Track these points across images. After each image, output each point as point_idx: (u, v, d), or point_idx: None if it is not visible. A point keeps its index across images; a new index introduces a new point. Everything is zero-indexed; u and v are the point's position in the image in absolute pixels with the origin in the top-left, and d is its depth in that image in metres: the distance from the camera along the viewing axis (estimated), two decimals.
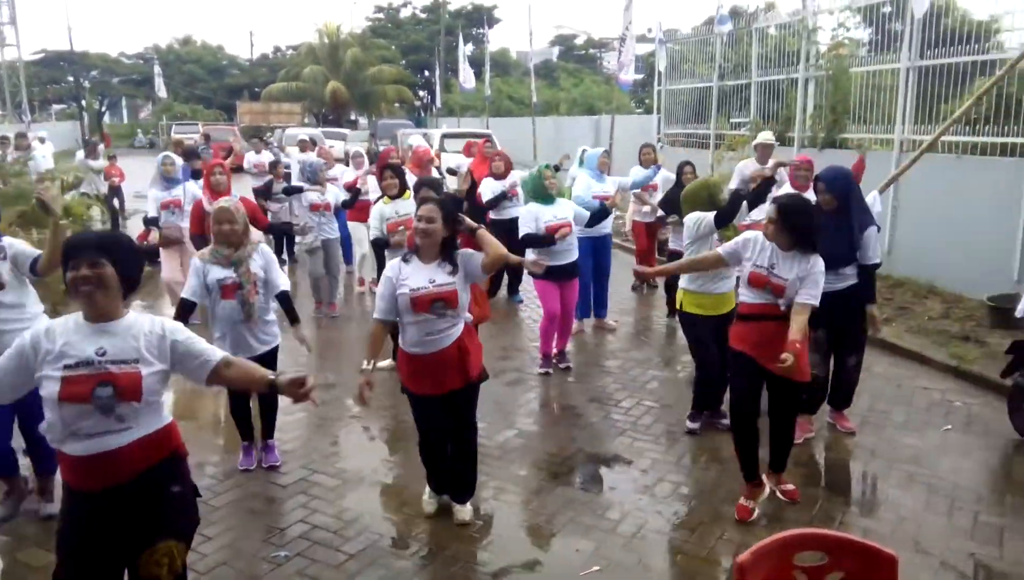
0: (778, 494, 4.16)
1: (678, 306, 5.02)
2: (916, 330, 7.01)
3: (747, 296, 3.95)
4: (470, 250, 3.75)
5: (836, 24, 10.68)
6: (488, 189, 8.04)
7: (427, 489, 4.08)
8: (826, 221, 4.47)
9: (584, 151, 8.28)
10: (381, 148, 14.64)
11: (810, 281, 3.72)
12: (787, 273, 3.75)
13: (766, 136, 7.56)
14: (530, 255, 5.87)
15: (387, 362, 5.84)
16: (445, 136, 17.28)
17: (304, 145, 10.99)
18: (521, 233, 5.98)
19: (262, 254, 4.39)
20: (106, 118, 54.56)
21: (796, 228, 3.74)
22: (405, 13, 51.62)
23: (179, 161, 7.80)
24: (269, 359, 4.40)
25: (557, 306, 6.14)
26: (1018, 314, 5.05)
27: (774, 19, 11.97)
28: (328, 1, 73.38)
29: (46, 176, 10.04)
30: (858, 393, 5.73)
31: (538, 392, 5.91)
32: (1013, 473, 4.65)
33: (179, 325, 2.58)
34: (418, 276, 3.63)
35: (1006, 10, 8.10)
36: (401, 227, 5.68)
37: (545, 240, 5.85)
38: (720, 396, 5.04)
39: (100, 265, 2.38)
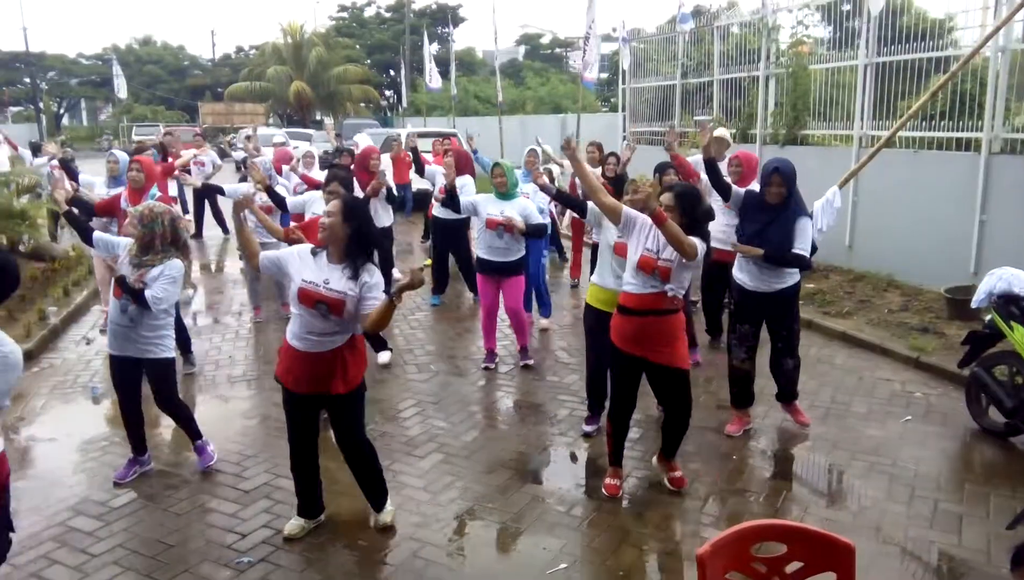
0: (665, 481, 4.27)
1: (586, 298, 4.94)
2: (876, 322, 7.12)
3: (632, 285, 3.97)
4: (377, 275, 3.55)
5: (796, 22, 10.81)
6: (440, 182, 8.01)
7: (292, 520, 3.83)
8: (770, 215, 4.61)
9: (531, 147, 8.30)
10: (352, 147, 14.54)
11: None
12: (673, 255, 3.84)
13: (720, 131, 7.64)
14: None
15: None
16: (420, 135, 17.16)
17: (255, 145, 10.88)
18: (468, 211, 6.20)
19: (165, 268, 4.18)
20: (65, 120, 53.53)
21: (690, 213, 3.87)
22: (369, 12, 51.26)
23: (123, 159, 7.67)
24: (152, 369, 4.34)
25: (491, 301, 6.20)
26: (974, 305, 5.14)
27: (735, 17, 12.07)
28: (289, 1, 72.50)
29: (4, 178, 9.78)
30: (820, 385, 5.82)
31: (503, 391, 5.90)
32: (971, 461, 4.74)
33: None
34: (316, 272, 3.50)
35: (961, 8, 8.27)
36: None
37: (448, 203, 5.90)
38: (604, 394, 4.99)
39: None
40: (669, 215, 3.75)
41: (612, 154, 7.88)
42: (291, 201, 6.61)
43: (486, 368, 6.26)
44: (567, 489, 4.29)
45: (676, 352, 3.99)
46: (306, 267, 3.53)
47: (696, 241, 3.77)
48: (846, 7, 10.01)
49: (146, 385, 4.44)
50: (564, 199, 5.29)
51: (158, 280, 4.13)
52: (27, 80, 46.10)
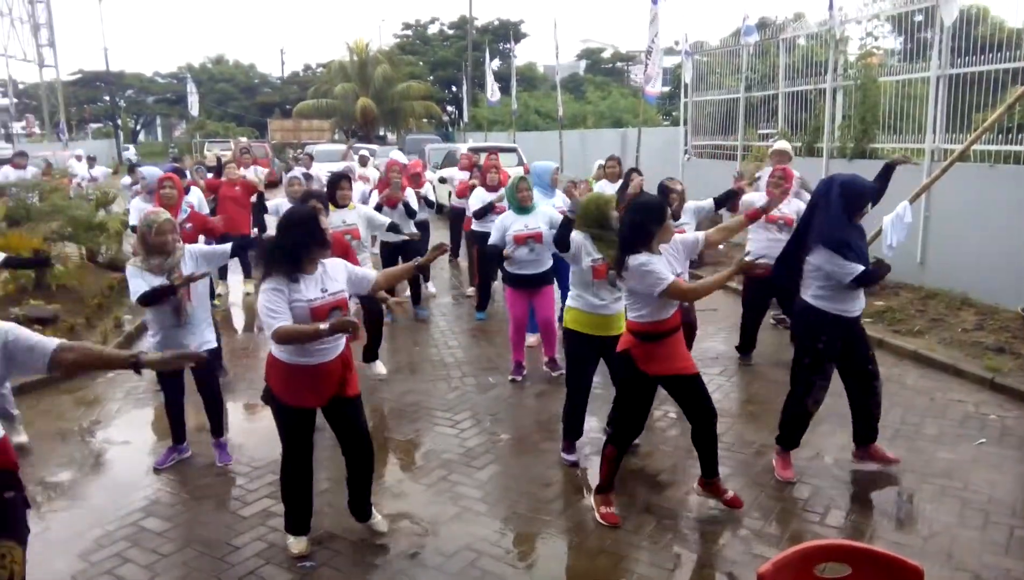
0: (722, 505, 4.12)
1: (564, 322, 4.77)
2: (949, 342, 6.87)
3: (666, 312, 3.85)
4: (342, 262, 3.78)
5: (865, 33, 10.58)
6: (477, 199, 8.09)
7: (290, 537, 3.79)
8: (859, 233, 4.28)
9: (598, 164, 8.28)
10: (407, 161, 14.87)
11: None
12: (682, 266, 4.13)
13: (782, 144, 7.51)
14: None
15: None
16: (472, 150, 17.35)
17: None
18: (490, 241, 6.13)
19: (188, 253, 4.56)
20: (141, 136, 55.75)
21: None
22: (433, 29, 52.16)
23: (151, 174, 7.92)
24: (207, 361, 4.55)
25: (521, 314, 6.21)
26: None
27: (802, 29, 11.87)
28: (357, 19, 74.25)
29: (84, 193, 10.28)
30: (889, 406, 5.63)
31: (524, 401, 5.88)
32: None
33: (7, 324, 2.55)
34: (311, 288, 3.53)
35: None
36: (348, 235, 5.97)
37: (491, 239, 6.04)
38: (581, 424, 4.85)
39: None
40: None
41: (634, 170, 7.30)
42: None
43: (513, 380, 6.27)
44: (623, 503, 4.25)
45: (691, 359, 4.07)
46: (298, 293, 3.48)
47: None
48: (918, 18, 9.75)
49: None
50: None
51: (195, 256, 4.57)
52: (107, 98, 48.23)
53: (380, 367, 6.45)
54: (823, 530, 3.95)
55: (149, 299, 4.35)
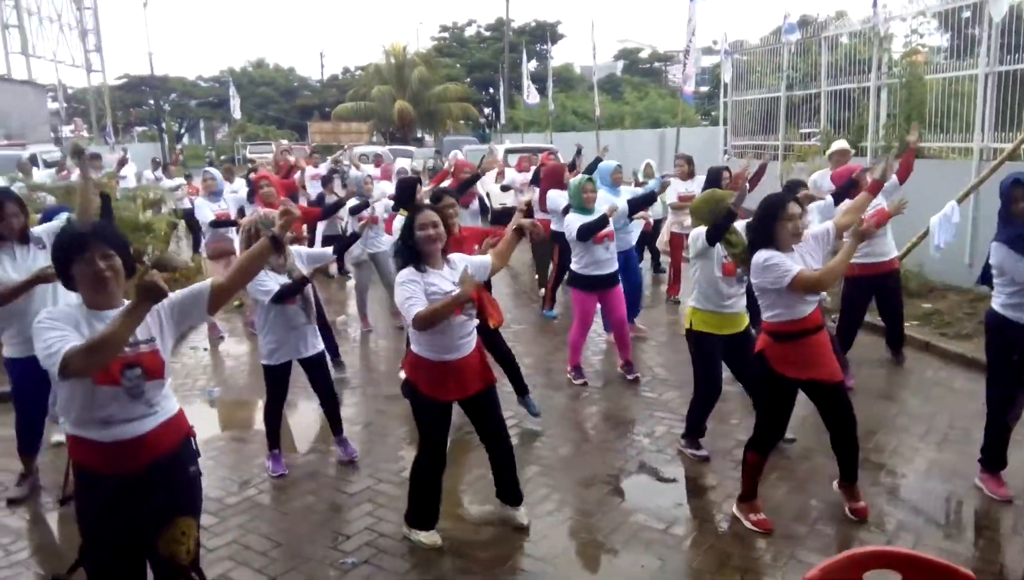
0: (847, 511, 4.04)
1: (687, 325, 4.79)
2: None
3: (799, 309, 3.78)
4: (461, 255, 3.89)
5: (910, 31, 10.36)
6: (560, 199, 8.03)
7: (420, 533, 3.84)
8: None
9: (647, 164, 8.24)
10: (446, 164, 14.99)
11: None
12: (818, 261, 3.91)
13: (841, 144, 7.37)
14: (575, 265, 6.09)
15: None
16: (508, 151, 17.40)
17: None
18: (571, 237, 6.07)
19: (296, 254, 4.71)
20: (184, 139, 56.78)
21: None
22: (470, 32, 52.37)
23: (218, 175, 8.25)
24: (321, 360, 4.76)
25: (590, 318, 6.19)
26: None
27: (844, 27, 11.68)
28: (395, 22, 74.89)
29: (131, 193, 10.52)
30: (937, 409, 5.55)
31: (600, 405, 5.88)
32: None
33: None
34: (441, 281, 3.62)
35: None
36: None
37: (595, 227, 5.85)
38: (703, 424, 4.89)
39: (110, 257, 2.48)
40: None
41: (725, 168, 7.43)
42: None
43: (583, 384, 6.25)
44: (666, 507, 4.23)
45: (836, 365, 3.91)
46: (431, 283, 3.59)
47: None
48: (965, 14, 9.52)
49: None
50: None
51: (302, 261, 4.68)
52: (152, 102, 49.25)
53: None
54: (871, 536, 3.88)
55: (281, 297, 4.43)
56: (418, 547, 3.80)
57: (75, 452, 2.57)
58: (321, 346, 4.79)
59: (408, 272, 3.61)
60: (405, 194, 6.33)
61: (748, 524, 3.96)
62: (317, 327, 4.79)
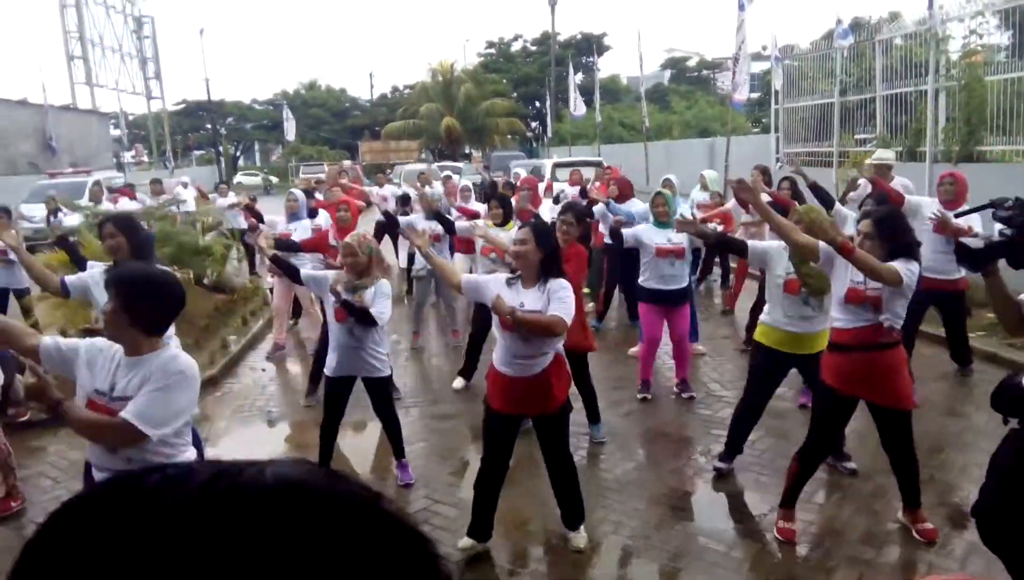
0: (915, 534, 3.91)
1: (756, 335, 4.72)
2: None
3: (843, 320, 3.73)
4: (563, 282, 3.75)
5: (968, 31, 10.06)
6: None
7: (465, 539, 3.87)
8: None
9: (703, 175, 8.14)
10: (495, 178, 15.11)
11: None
12: (882, 283, 3.59)
13: (882, 155, 7.16)
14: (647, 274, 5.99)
15: (459, 382, 6.51)
16: (557, 165, 17.41)
17: (425, 180, 11.54)
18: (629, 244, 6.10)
19: (377, 288, 4.59)
20: (240, 161, 58.28)
21: (893, 239, 3.61)
22: (516, 47, 52.67)
23: (301, 197, 8.27)
24: (376, 386, 4.72)
25: (657, 332, 6.12)
26: None
27: (899, 29, 11.42)
28: (441, 41, 75.85)
29: (191, 218, 10.84)
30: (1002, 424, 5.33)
31: (656, 422, 5.81)
32: None
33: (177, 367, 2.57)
34: (514, 297, 3.65)
35: None
36: (492, 254, 6.09)
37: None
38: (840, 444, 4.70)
39: (113, 305, 2.55)
40: (869, 243, 3.59)
41: (786, 179, 7.29)
42: (459, 225, 6.91)
43: (644, 399, 6.18)
44: (724, 528, 4.16)
45: (900, 391, 3.74)
46: (504, 294, 3.64)
47: (898, 265, 3.50)
48: None
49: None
50: (725, 244, 5.18)
51: (376, 298, 4.52)
52: (209, 126, 50.74)
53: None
54: (940, 560, 3.75)
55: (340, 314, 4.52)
56: (467, 554, 3.82)
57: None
58: (382, 372, 4.74)
59: (499, 277, 3.85)
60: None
61: (774, 530, 3.95)
62: (378, 350, 4.73)
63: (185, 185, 18.25)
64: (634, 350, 7.00)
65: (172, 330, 4.28)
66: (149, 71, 41.28)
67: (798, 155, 13.89)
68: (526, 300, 3.62)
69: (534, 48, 50.85)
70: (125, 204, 12.58)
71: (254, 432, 6.06)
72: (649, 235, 5.98)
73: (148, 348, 2.58)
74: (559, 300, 3.58)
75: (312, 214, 8.36)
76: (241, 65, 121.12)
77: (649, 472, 4.94)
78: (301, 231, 7.62)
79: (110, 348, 2.63)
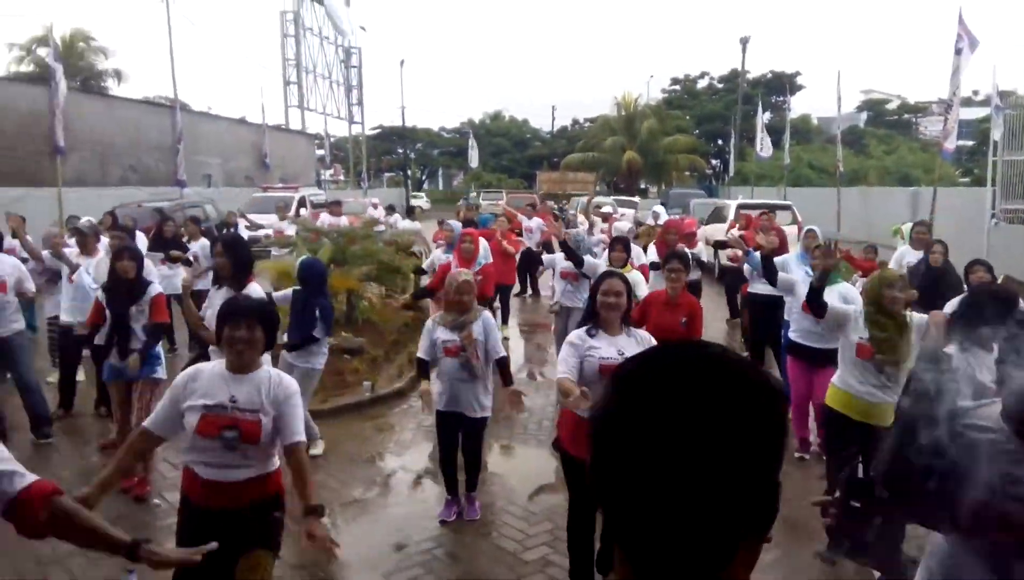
0: None
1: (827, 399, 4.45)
2: None
3: None
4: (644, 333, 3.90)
5: None
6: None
7: None
8: None
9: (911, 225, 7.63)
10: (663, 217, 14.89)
11: None
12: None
13: None
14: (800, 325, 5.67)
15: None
16: (741, 206, 16.86)
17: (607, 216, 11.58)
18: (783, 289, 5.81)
19: (483, 321, 4.65)
20: (425, 185, 61.37)
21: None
22: (702, 84, 52.04)
23: (457, 227, 8.54)
24: (479, 427, 4.72)
25: (801, 387, 5.68)
26: None
27: None
28: (625, 77, 76.35)
29: (386, 239, 11.55)
30: None
31: (813, 481, 5.44)
32: None
33: (295, 386, 3.03)
34: (607, 347, 3.70)
35: None
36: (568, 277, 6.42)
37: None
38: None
39: (253, 330, 2.96)
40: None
41: (938, 242, 6.89)
42: (588, 261, 6.79)
43: (800, 458, 5.85)
44: None
45: None
46: (593, 347, 3.71)
47: None
48: None
49: None
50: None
51: (488, 333, 4.63)
52: (400, 151, 53.88)
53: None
54: None
55: (424, 360, 4.66)
56: None
57: (183, 481, 3.06)
58: (483, 413, 4.71)
59: (578, 333, 3.79)
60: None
61: None
62: (487, 390, 4.72)
63: (375, 206, 19.49)
64: None
65: None
66: (353, 98, 44.60)
67: (1017, 212, 12.70)
68: (625, 349, 3.66)
69: (720, 86, 50.02)
70: (326, 219, 13.61)
71: (433, 445, 6.28)
72: (802, 289, 5.46)
73: (258, 365, 3.04)
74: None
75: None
76: (433, 94, 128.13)
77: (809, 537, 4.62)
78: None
79: (203, 371, 3.01)
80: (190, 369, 3.06)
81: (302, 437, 2.97)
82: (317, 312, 5.49)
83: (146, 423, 3.01)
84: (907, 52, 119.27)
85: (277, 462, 3.08)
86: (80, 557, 4.02)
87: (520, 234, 12.38)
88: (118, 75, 34.92)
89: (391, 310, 9.23)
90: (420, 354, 4.71)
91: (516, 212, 13.33)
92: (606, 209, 15.05)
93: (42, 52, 28.00)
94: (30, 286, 6.23)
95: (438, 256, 8.40)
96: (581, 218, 13.87)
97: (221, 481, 2.91)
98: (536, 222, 13.02)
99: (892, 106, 48.90)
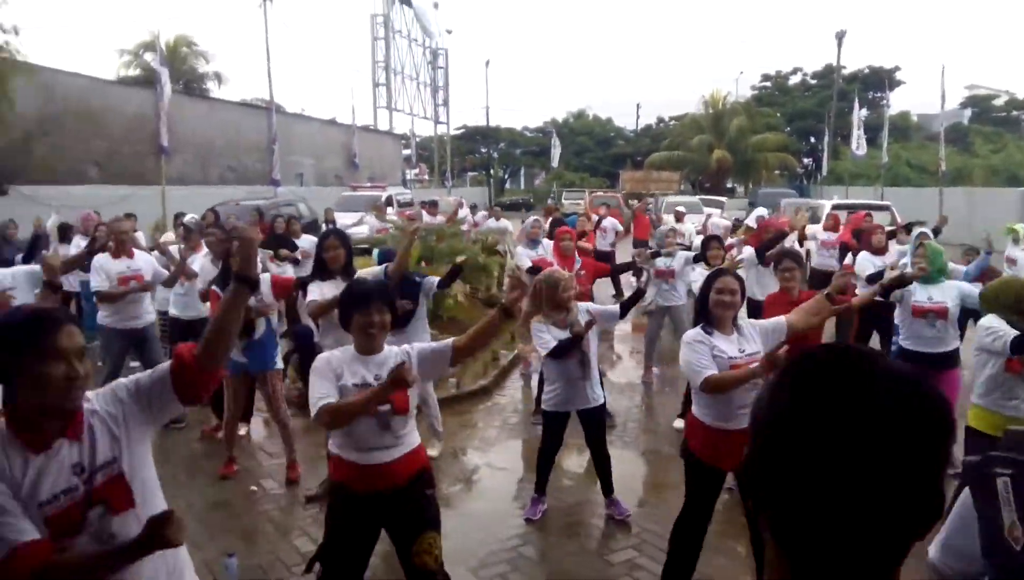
0: None
1: (967, 420, 4.07)
2: None
3: None
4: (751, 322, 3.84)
5: None
6: (868, 264, 7.28)
7: None
8: None
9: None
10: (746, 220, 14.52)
11: None
12: None
13: None
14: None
15: (679, 423, 6.14)
16: (836, 207, 16.24)
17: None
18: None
19: (583, 309, 4.70)
20: (507, 184, 61.68)
21: None
22: (794, 80, 50.51)
23: (545, 226, 8.66)
24: (592, 417, 4.77)
25: None
26: None
27: None
28: (713, 74, 74.85)
29: (474, 238, 11.68)
30: None
31: None
32: None
33: (412, 345, 3.13)
34: (729, 346, 3.59)
35: None
36: None
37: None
38: None
39: (383, 313, 3.05)
40: None
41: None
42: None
43: None
44: None
45: None
46: (722, 345, 3.61)
47: None
48: None
49: None
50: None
51: (596, 311, 4.76)
52: (483, 150, 54.38)
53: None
54: None
55: (558, 353, 4.61)
56: None
57: (336, 470, 3.12)
58: (600, 400, 4.79)
59: (695, 333, 3.67)
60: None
61: None
62: (598, 379, 4.82)
63: (461, 205, 19.70)
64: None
65: None
66: (439, 98, 45.31)
67: None
68: (745, 347, 3.60)
69: (813, 82, 48.41)
70: (425, 218, 13.87)
71: (520, 443, 6.32)
72: (908, 291, 5.25)
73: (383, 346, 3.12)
74: (761, 326, 3.76)
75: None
76: (517, 94, 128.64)
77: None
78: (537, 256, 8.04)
79: (332, 357, 3.06)
80: (320, 357, 3.09)
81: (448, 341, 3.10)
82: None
83: (321, 402, 2.87)
84: (1016, 45, 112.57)
85: (418, 437, 3.18)
86: None
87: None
88: (218, 78, 36.55)
89: (475, 308, 9.32)
90: (542, 350, 4.65)
91: (594, 212, 13.40)
92: (679, 209, 14.82)
93: (148, 57, 29.49)
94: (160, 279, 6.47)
95: (523, 253, 8.39)
96: (666, 218, 13.73)
97: (377, 464, 3.00)
98: (610, 222, 12.89)
99: (999, 102, 46.19)
